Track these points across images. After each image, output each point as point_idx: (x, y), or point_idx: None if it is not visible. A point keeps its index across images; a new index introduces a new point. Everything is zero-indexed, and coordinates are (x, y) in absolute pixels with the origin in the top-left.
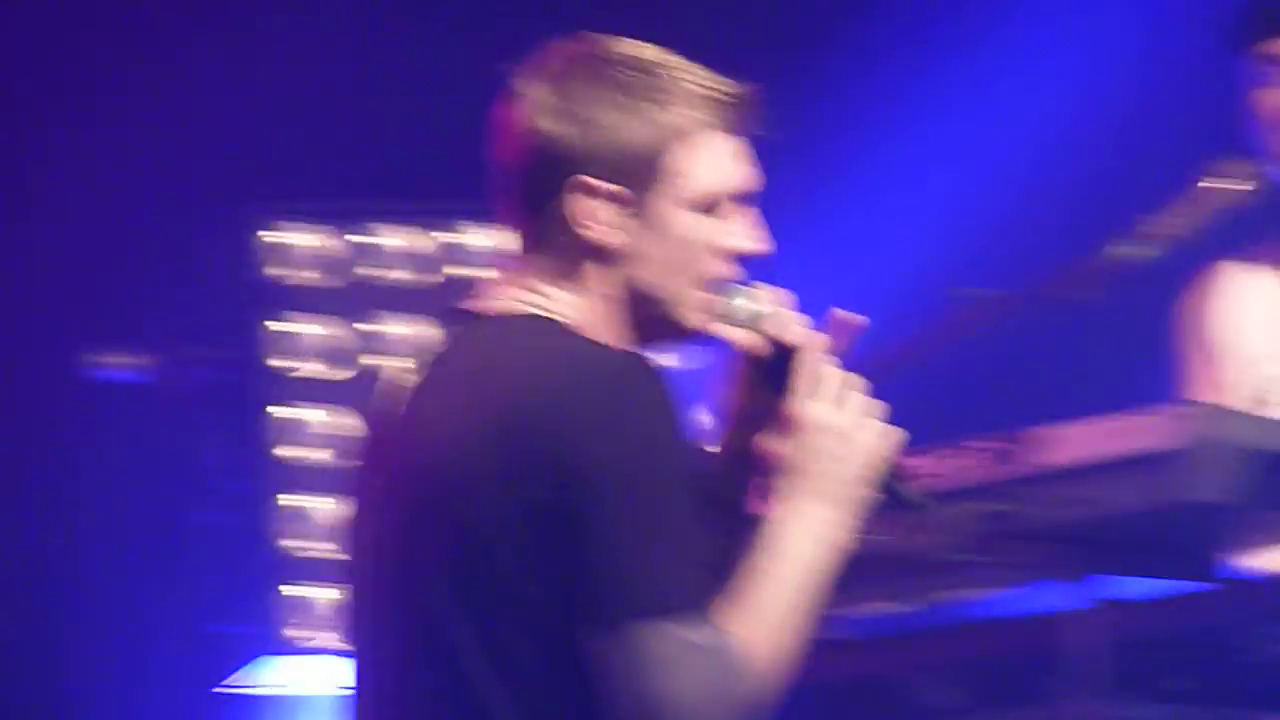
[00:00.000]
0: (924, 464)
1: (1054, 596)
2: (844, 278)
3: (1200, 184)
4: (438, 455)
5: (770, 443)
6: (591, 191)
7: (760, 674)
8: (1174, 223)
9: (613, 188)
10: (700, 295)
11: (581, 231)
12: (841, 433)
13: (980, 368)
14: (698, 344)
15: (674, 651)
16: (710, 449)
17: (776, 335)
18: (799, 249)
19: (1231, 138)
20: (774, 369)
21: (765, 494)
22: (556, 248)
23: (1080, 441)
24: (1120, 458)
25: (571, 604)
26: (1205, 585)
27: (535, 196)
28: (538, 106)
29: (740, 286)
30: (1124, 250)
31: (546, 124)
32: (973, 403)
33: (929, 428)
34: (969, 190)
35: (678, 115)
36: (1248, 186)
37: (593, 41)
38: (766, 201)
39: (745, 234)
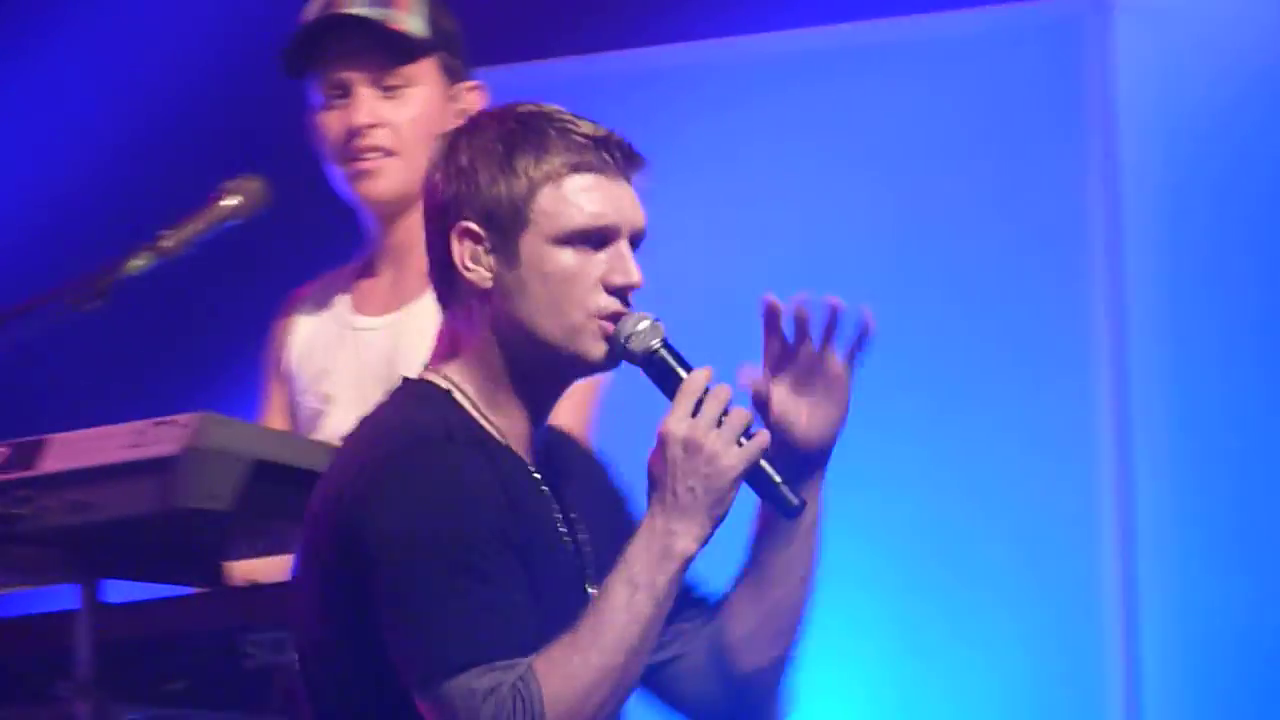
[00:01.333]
0: None
1: (60, 599)
2: None
3: (212, 198)
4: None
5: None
6: (469, 235)
7: (561, 701)
8: (182, 235)
9: (484, 231)
10: (592, 326)
11: (466, 275)
12: (698, 445)
13: None
14: (598, 372)
15: (467, 701)
16: None
17: (663, 358)
18: None
19: (261, 155)
20: (667, 391)
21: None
22: (455, 297)
23: (87, 447)
24: (124, 463)
25: (377, 672)
26: (205, 589)
27: (434, 247)
28: (432, 165)
29: (630, 315)
30: (135, 262)
31: (436, 178)
32: None
33: None
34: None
35: (547, 162)
36: (246, 200)
37: (497, 107)
38: None
39: (616, 267)
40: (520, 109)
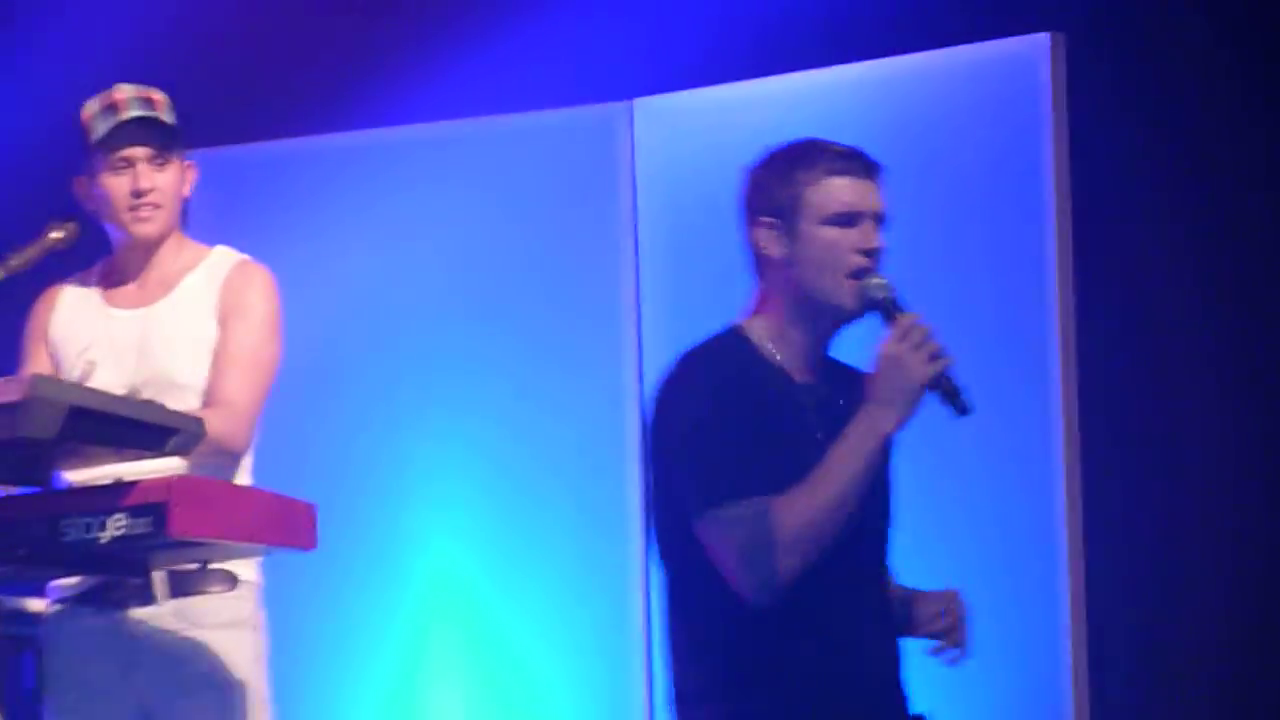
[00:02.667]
0: None
1: None
2: None
3: (45, 232)
4: None
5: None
6: (764, 226)
7: (788, 528)
8: (25, 257)
9: (773, 220)
10: (845, 283)
11: (763, 252)
12: (901, 360)
13: None
14: (853, 319)
15: (717, 526)
16: None
17: (889, 303)
18: None
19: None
20: (890, 325)
21: None
22: (760, 271)
23: None
24: None
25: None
26: (38, 488)
27: (746, 238)
28: (742, 184)
29: (870, 273)
30: None
31: (745, 194)
32: None
33: None
34: None
35: (810, 171)
36: (67, 235)
37: (781, 144)
38: None
39: (861, 238)
40: (792, 142)
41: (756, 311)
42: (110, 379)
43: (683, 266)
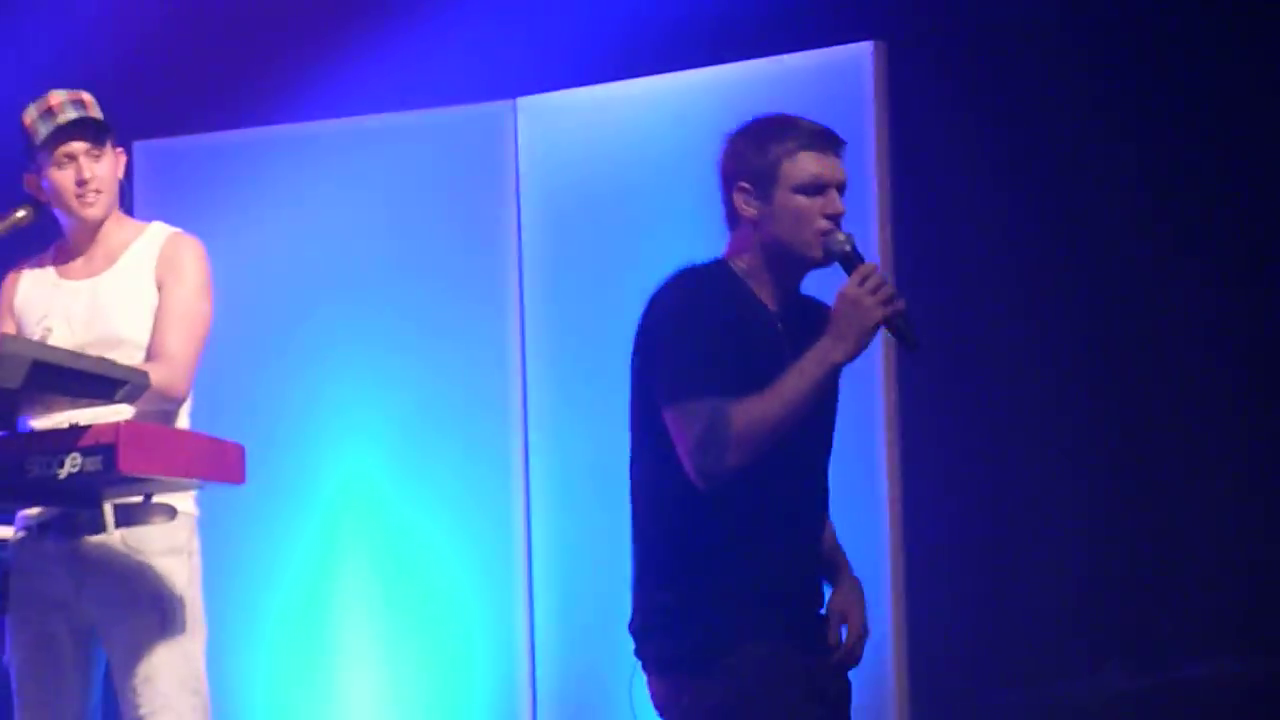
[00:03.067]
0: None
1: None
2: None
3: (9, 211)
4: None
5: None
6: (742, 191)
7: (741, 428)
8: None
9: (750, 186)
10: (814, 240)
11: (741, 212)
12: (857, 299)
13: None
14: (818, 267)
15: (681, 417)
16: None
17: (851, 255)
18: None
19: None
20: (848, 271)
21: None
22: (737, 224)
23: None
24: None
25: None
26: (7, 433)
27: (725, 197)
28: (725, 156)
29: (834, 231)
30: None
31: (724, 160)
32: None
33: None
34: None
35: (784, 146)
36: (28, 215)
37: (754, 118)
38: None
39: (827, 204)
40: (767, 116)
41: (734, 254)
42: (64, 340)
43: (560, 249)
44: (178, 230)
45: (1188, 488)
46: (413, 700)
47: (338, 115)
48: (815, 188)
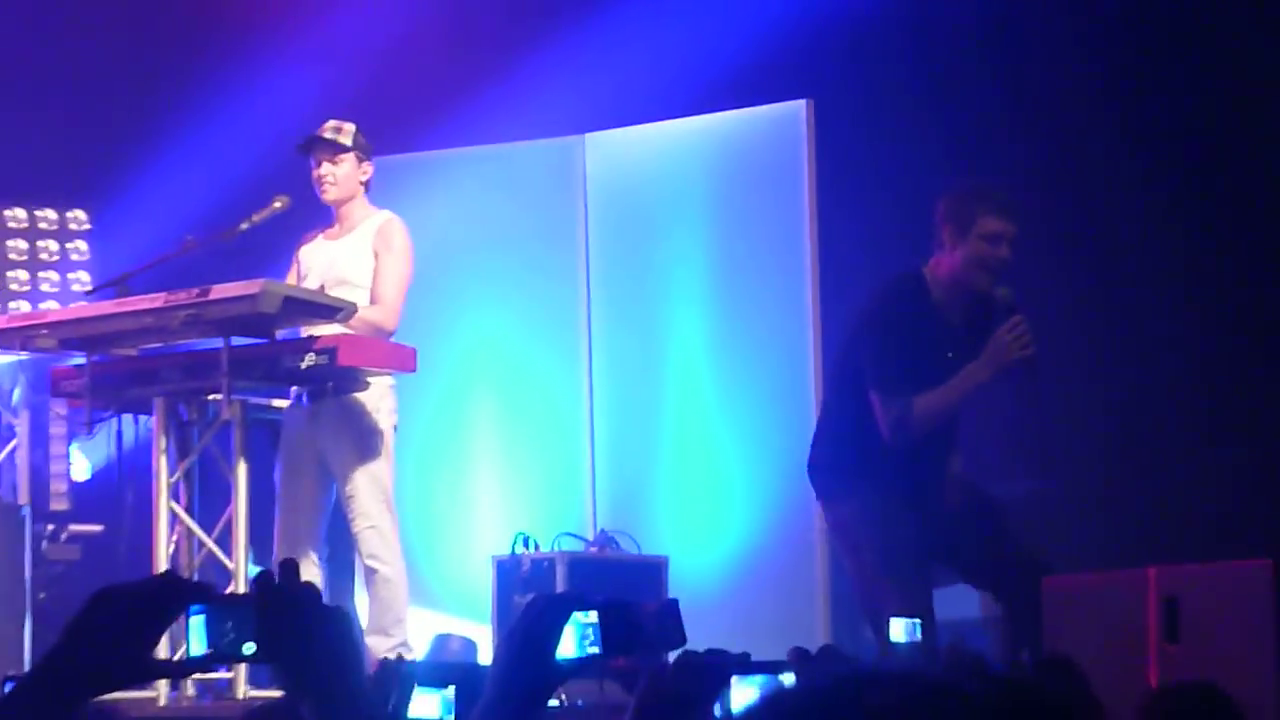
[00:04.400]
0: None
1: None
2: None
3: (270, 202)
4: None
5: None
6: (946, 224)
7: (917, 421)
8: (258, 216)
9: (953, 225)
10: (985, 277)
11: (943, 238)
12: (1001, 342)
13: None
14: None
15: (881, 404)
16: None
17: (1009, 306)
18: None
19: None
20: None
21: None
22: (938, 243)
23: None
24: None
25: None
26: (268, 340)
27: (936, 224)
28: (945, 197)
29: (1001, 282)
30: (242, 226)
31: (942, 202)
32: None
33: None
34: None
35: (973, 210)
36: (283, 205)
37: (961, 184)
38: None
39: (999, 251)
40: (966, 185)
41: (932, 267)
42: (314, 282)
43: (621, 265)
44: (392, 216)
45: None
46: (512, 495)
47: (450, 146)
48: (994, 239)
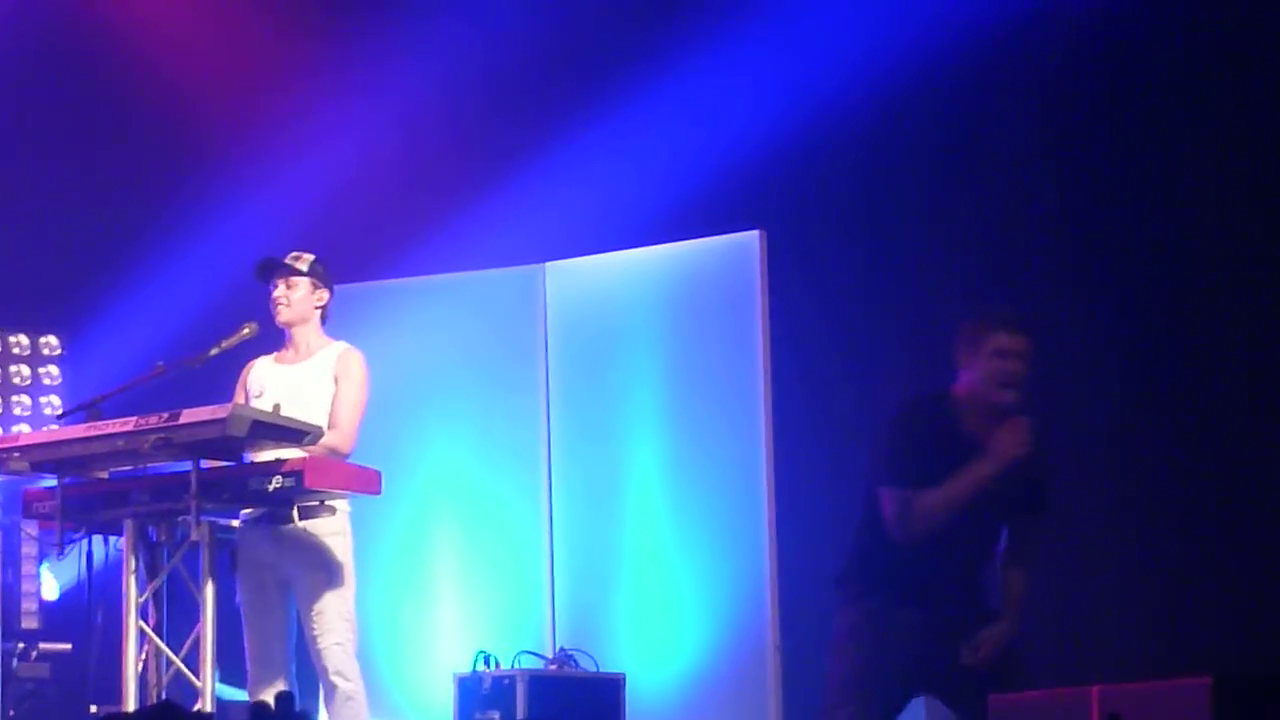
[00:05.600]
0: None
1: None
2: None
3: (237, 330)
4: None
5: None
6: (960, 347)
7: (919, 512)
8: (227, 344)
9: (966, 349)
10: (996, 391)
11: (959, 360)
12: (1000, 444)
13: None
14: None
15: (886, 496)
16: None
17: (1011, 410)
18: None
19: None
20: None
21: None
22: (958, 365)
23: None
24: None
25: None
26: (236, 464)
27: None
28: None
29: (1013, 388)
30: (208, 354)
31: (961, 330)
32: None
33: None
34: None
35: (983, 333)
36: (251, 332)
37: (973, 319)
38: None
39: (1007, 366)
40: (986, 309)
41: (958, 385)
42: (269, 403)
43: (581, 388)
44: (350, 346)
45: None
46: (473, 615)
47: (412, 274)
48: (1002, 355)
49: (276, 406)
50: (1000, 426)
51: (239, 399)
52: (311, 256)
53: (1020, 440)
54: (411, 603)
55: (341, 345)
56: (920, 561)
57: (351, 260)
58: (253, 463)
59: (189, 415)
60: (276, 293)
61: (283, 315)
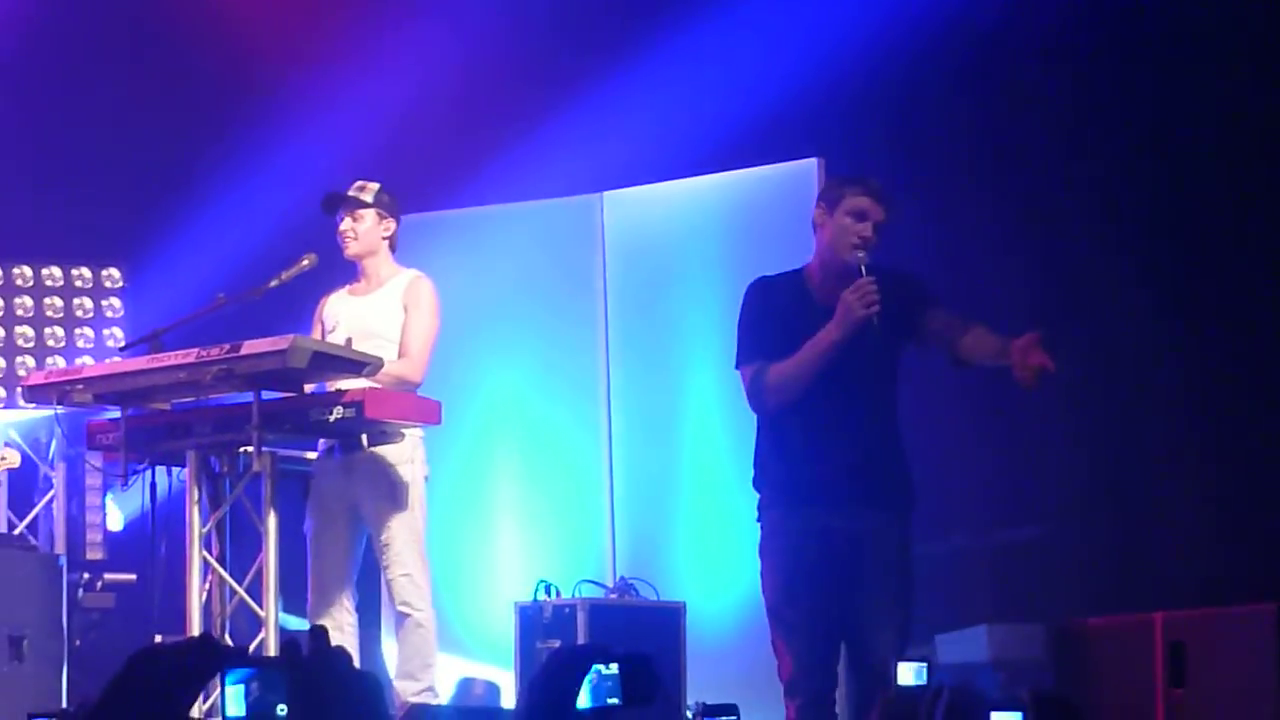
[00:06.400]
0: None
1: None
2: None
3: (298, 260)
4: None
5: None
6: (818, 205)
7: (772, 384)
8: (287, 274)
9: (822, 205)
10: (849, 251)
11: (815, 221)
12: (848, 303)
13: None
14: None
15: (742, 373)
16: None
17: (859, 269)
18: None
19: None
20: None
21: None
22: (814, 230)
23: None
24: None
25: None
26: (297, 394)
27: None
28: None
29: (863, 249)
30: (272, 283)
31: (820, 189)
32: None
33: None
34: None
35: (842, 190)
36: (311, 262)
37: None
38: None
39: (862, 229)
40: (847, 174)
41: (814, 256)
42: (341, 337)
43: (639, 317)
44: (420, 274)
45: None
46: (534, 544)
47: (473, 205)
48: (859, 215)
49: (349, 340)
50: (844, 293)
51: (315, 333)
52: (376, 185)
53: (867, 300)
54: (472, 533)
55: (412, 273)
56: (806, 464)
57: (411, 191)
58: (314, 394)
59: (249, 347)
60: (343, 226)
61: (351, 248)
